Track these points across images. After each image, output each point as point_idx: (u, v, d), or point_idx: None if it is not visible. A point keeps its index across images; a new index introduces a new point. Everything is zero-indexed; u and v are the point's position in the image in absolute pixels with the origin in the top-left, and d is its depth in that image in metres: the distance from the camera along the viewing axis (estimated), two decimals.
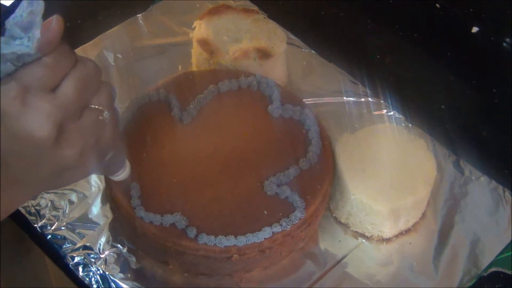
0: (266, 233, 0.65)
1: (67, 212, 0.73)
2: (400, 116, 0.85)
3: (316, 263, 0.71)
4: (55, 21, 0.42)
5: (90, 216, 0.73)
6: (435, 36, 0.95)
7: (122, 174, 0.60)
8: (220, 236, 0.65)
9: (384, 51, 0.93)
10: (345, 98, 0.87)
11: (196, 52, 0.85)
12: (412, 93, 0.88)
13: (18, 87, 0.41)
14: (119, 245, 0.71)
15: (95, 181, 0.76)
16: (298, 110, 0.76)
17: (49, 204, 0.74)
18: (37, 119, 0.41)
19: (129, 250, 0.70)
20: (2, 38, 0.40)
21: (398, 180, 0.72)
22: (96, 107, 0.45)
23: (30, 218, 0.72)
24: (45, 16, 0.42)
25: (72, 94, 0.43)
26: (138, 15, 0.95)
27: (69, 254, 0.70)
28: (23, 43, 0.40)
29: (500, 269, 0.72)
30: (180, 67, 0.87)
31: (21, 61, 0.41)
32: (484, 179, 0.79)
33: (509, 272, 0.72)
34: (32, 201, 0.73)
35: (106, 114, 0.46)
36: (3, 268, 0.73)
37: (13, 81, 0.41)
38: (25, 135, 0.42)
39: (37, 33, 0.40)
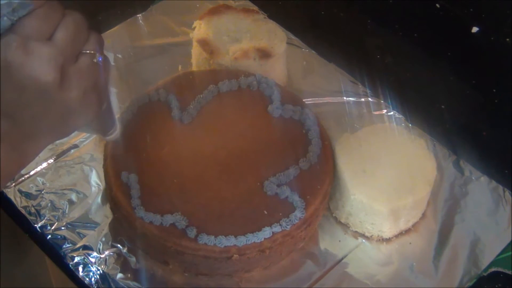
0: (266, 233, 0.65)
1: (67, 212, 0.73)
2: (400, 116, 0.85)
3: (316, 263, 0.71)
4: None
5: (90, 216, 0.73)
6: (435, 36, 0.95)
7: (115, 133, 0.62)
8: (220, 236, 0.65)
9: (384, 51, 0.93)
10: (345, 98, 0.87)
11: (196, 52, 0.85)
12: (412, 93, 0.88)
13: (18, 38, 0.44)
14: (119, 245, 0.71)
15: (95, 181, 0.76)
16: (298, 110, 0.76)
17: (49, 204, 0.74)
18: (41, 65, 0.45)
19: (129, 250, 0.70)
20: None
21: (398, 180, 0.72)
22: (89, 51, 0.49)
23: (30, 218, 0.72)
24: None
25: (66, 39, 0.46)
26: (138, 15, 0.95)
27: (69, 254, 0.70)
28: None
29: (500, 269, 0.72)
30: (180, 67, 0.87)
31: (16, 16, 0.44)
32: (484, 179, 0.79)
33: (509, 272, 0.72)
34: (32, 201, 0.74)
35: (98, 57, 0.49)
36: (3, 268, 0.73)
37: (13, 33, 0.44)
38: (31, 82, 0.45)
39: None
